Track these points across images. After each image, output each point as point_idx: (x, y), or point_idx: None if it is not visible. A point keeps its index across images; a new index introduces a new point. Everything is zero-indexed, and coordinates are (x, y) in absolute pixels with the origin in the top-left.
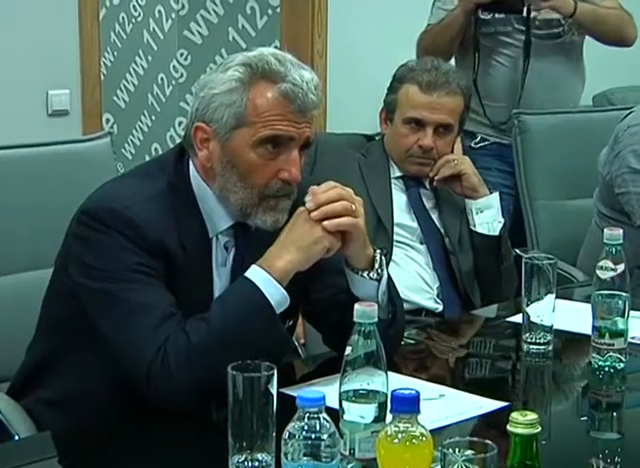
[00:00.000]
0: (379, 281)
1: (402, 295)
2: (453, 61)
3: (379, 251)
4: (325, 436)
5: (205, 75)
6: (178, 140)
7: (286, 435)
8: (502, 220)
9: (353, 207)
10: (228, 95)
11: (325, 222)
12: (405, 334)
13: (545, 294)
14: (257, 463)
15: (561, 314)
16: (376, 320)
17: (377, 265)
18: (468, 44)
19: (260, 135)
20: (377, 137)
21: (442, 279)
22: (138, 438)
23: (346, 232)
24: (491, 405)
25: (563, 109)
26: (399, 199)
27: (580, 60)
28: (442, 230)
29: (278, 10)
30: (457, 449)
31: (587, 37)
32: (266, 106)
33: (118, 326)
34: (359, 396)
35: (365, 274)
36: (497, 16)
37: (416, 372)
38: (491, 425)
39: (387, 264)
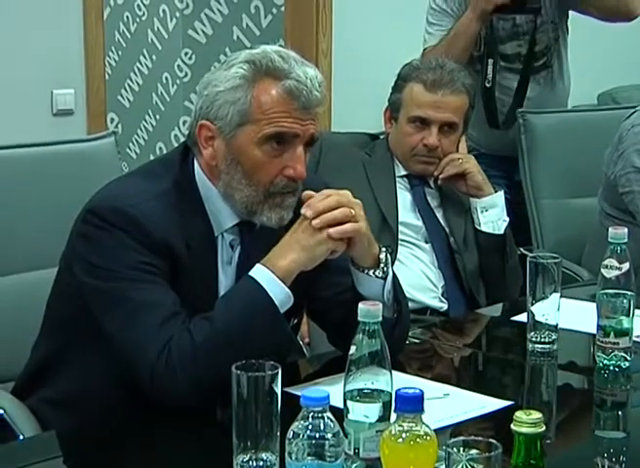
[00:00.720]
0: (384, 279)
1: (407, 294)
2: None
3: (384, 249)
4: (329, 435)
5: (209, 73)
6: (182, 140)
7: (290, 434)
8: (507, 219)
9: (353, 211)
10: (232, 92)
11: (330, 230)
12: (410, 333)
13: (550, 293)
14: (261, 463)
15: (566, 313)
16: (380, 319)
17: (382, 264)
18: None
19: (265, 132)
20: (381, 136)
21: (447, 278)
22: (141, 437)
23: (350, 237)
24: (495, 404)
25: (567, 108)
26: (404, 198)
27: (567, 79)
28: (447, 229)
29: (282, 9)
30: (461, 449)
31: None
32: (271, 103)
33: (122, 325)
34: (363, 395)
35: (371, 272)
36: (475, 53)
37: (420, 372)
38: (495, 424)
39: (392, 263)
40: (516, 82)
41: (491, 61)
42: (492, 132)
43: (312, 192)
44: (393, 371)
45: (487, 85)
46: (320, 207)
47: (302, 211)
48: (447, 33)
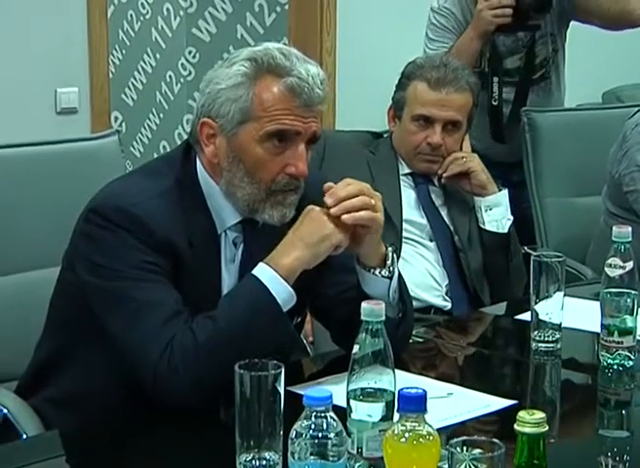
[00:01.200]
0: (390, 278)
1: (411, 293)
2: None
3: (390, 248)
4: (332, 435)
5: (211, 71)
6: (186, 138)
7: (293, 434)
8: (511, 218)
9: (372, 202)
10: (234, 89)
11: (344, 216)
12: (413, 333)
13: (554, 292)
14: (264, 462)
15: (570, 312)
16: (383, 318)
17: (388, 263)
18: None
19: (267, 129)
20: (385, 135)
21: (451, 276)
22: (143, 437)
23: (364, 227)
24: (499, 403)
25: (572, 107)
26: (408, 196)
27: (563, 88)
28: (451, 227)
29: (286, 7)
30: (464, 448)
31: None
32: (272, 101)
33: (125, 324)
34: (367, 394)
35: (377, 272)
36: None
37: (424, 371)
38: (499, 423)
39: (397, 261)
40: (514, 94)
41: (496, 80)
42: (491, 142)
43: (332, 183)
44: (397, 370)
45: (494, 103)
46: (342, 194)
47: (325, 199)
48: (448, 50)
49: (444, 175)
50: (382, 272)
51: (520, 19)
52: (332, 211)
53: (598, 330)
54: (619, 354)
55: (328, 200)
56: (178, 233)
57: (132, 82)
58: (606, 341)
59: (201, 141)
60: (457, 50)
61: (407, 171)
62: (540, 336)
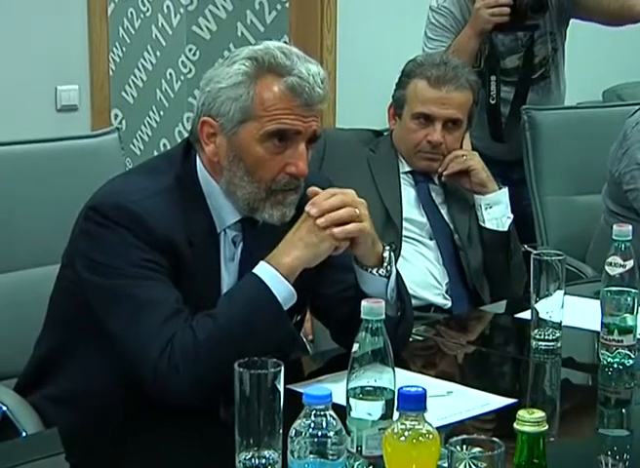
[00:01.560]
0: (388, 277)
1: (411, 292)
2: None
3: (387, 247)
4: (331, 433)
5: (211, 69)
6: (186, 136)
7: (292, 432)
8: (511, 216)
9: (357, 211)
10: (235, 88)
11: (335, 230)
12: (413, 331)
13: (554, 291)
14: (263, 460)
15: (570, 310)
16: (383, 317)
17: (386, 262)
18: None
19: (267, 128)
20: (385, 133)
21: (451, 275)
22: (143, 435)
23: (354, 236)
24: (499, 401)
25: (572, 105)
26: (408, 194)
27: (563, 87)
28: (451, 226)
29: (287, 5)
30: (464, 447)
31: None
32: (273, 100)
33: (125, 323)
34: (366, 393)
35: (374, 271)
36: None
37: (424, 369)
38: (499, 422)
39: (396, 260)
40: (513, 94)
41: (493, 78)
42: (491, 140)
43: (317, 188)
44: (397, 369)
45: (492, 102)
46: (325, 206)
47: (307, 208)
48: (446, 49)
49: (444, 173)
50: (380, 271)
51: (518, 19)
52: (318, 222)
53: (598, 328)
54: (619, 352)
55: (312, 210)
56: (177, 231)
57: (132, 79)
58: (606, 340)
59: (201, 140)
60: (455, 48)
61: (407, 169)
62: (540, 335)
